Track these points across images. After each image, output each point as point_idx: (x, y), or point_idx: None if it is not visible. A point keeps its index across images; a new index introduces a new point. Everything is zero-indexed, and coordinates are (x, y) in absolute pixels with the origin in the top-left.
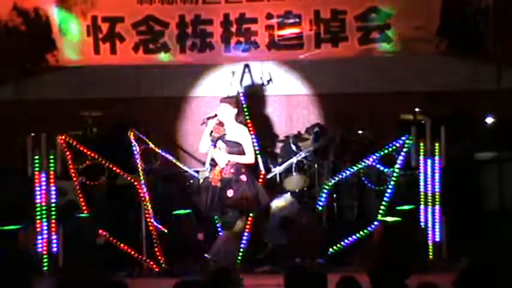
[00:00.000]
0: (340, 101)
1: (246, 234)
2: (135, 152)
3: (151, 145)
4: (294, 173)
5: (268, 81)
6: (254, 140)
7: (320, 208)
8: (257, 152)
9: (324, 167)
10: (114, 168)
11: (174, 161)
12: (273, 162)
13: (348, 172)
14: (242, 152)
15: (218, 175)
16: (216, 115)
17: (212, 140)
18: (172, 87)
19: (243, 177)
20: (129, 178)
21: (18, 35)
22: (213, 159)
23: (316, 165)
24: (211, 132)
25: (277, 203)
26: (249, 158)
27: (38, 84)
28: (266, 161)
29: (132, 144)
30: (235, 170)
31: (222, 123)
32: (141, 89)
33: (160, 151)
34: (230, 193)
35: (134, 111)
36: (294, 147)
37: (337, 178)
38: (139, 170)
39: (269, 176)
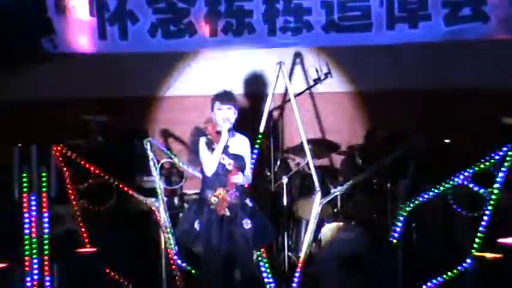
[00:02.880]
0: (421, 99)
1: None
2: (154, 168)
3: (174, 159)
4: (361, 196)
5: (327, 75)
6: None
7: (395, 241)
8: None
9: (400, 187)
10: (126, 189)
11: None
12: (332, 182)
13: (431, 194)
14: (244, 167)
15: (224, 200)
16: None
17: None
18: (200, 83)
19: (249, 202)
20: (145, 202)
21: (3, 14)
22: (211, 180)
23: (389, 185)
24: (211, 143)
25: (339, 235)
26: (250, 176)
27: (27, 80)
28: (323, 179)
29: (150, 158)
30: (239, 192)
31: (220, 132)
32: (159, 86)
33: (186, 166)
34: (247, 224)
35: (152, 114)
36: (360, 162)
37: (417, 201)
38: (159, 191)
39: (327, 200)
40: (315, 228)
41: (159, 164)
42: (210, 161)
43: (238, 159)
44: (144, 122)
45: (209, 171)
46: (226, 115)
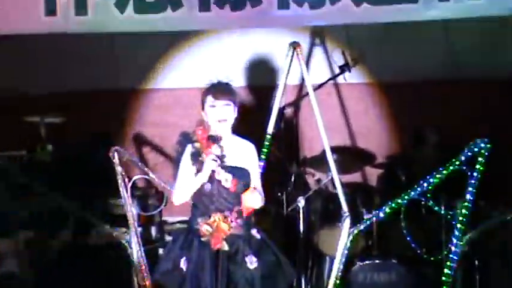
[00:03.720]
0: (485, 91)
1: None
2: (123, 188)
3: (152, 175)
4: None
5: (357, 60)
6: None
7: (447, 282)
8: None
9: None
10: (85, 216)
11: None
12: (365, 204)
13: (501, 220)
14: (249, 184)
15: (221, 230)
16: (219, 137)
17: (198, 166)
18: (187, 73)
19: (255, 233)
20: (111, 234)
21: None
22: (204, 202)
23: (443, 207)
24: (198, 154)
25: (375, 276)
26: (261, 195)
27: None
28: (353, 201)
29: (118, 174)
30: (243, 218)
31: (216, 137)
32: (130, 76)
33: (167, 185)
34: (252, 262)
35: (120, 114)
36: (403, 177)
37: (481, 231)
38: (130, 219)
39: (359, 229)
40: (343, 267)
41: (131, 182)
42: (185, 185)
43: (239, 173)
44: (109, 124)
45: (177, 198)
46: (222, 114)
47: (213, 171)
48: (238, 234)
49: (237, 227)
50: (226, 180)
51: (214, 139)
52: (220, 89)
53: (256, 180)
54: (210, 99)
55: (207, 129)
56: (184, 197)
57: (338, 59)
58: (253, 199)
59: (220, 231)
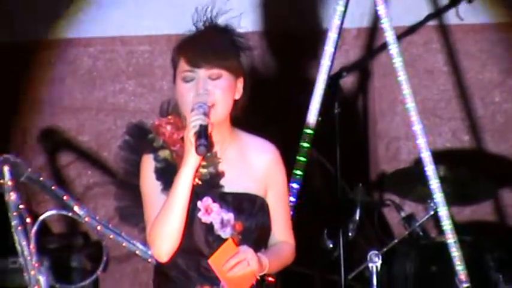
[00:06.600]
0: None
1: None
2: (19, 236)
3: (77, 209)
4: None
5: None
6: None
7: None
8: None
9: None
10: None
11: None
12: (504, 267)
13: None
14: (268, 228)
15: None
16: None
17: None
18: (139, 7)
19: None
20: None
21: None
22: (180, 267)
23: None
24: (170, 166)
25: None
26: (290, 244)
27: None
28: (481, 257)
29: (10, 207)
30: None
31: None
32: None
33: (106, 230)
34: None
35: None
36: None
37: None
38: None
39: None
40: None
41: (37, 224)
42: (165, 218)
43: (249, 207)
44: None
45: (160, 245)
46: (207, 94)
47: (196, 206)
48: None
49: None
50: (225, 223)
51: (201, 135)
52: (203, 46)
53: (281, 217)
54: (183, 66)
55: (177, 120)
56: (172, 238)
57: None
58: (274, 264)
59: None
